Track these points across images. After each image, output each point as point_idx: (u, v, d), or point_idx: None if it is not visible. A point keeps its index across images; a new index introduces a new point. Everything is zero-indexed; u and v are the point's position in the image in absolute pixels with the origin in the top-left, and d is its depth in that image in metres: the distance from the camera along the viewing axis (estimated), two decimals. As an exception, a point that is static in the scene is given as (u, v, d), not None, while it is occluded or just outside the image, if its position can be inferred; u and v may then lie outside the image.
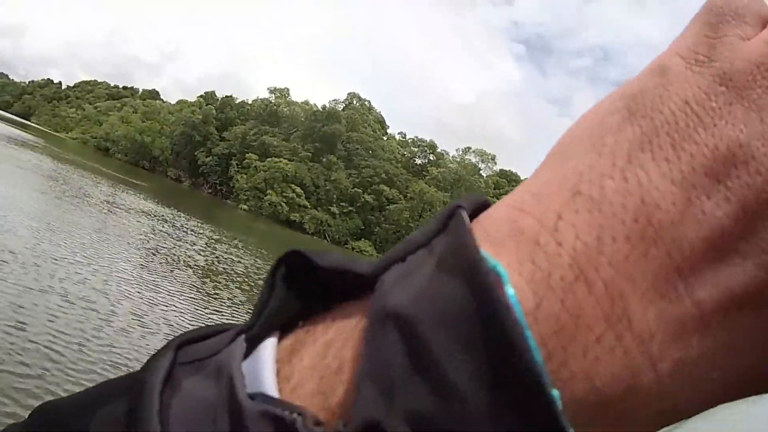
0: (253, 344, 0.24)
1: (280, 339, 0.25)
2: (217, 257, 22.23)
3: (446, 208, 0.25)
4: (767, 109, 0.23)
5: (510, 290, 0.22)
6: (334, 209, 74.35)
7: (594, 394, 0.22)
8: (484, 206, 0.28)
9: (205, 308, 13.60)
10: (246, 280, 18.92)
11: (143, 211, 29.51)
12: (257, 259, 25.93)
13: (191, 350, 0.26)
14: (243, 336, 0.25)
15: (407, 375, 0.20)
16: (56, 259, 12.61)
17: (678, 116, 0.24)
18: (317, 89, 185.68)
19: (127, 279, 13.42)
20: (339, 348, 0.23)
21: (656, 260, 0.22)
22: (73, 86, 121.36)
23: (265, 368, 0.23)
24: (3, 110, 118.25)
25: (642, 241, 0.22)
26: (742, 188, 0.22)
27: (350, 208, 75.35)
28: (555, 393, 0.20)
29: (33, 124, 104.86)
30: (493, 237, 0.24)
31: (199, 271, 17.85)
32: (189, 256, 19.96)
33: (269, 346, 0.24)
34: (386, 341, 0.21)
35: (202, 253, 22.19)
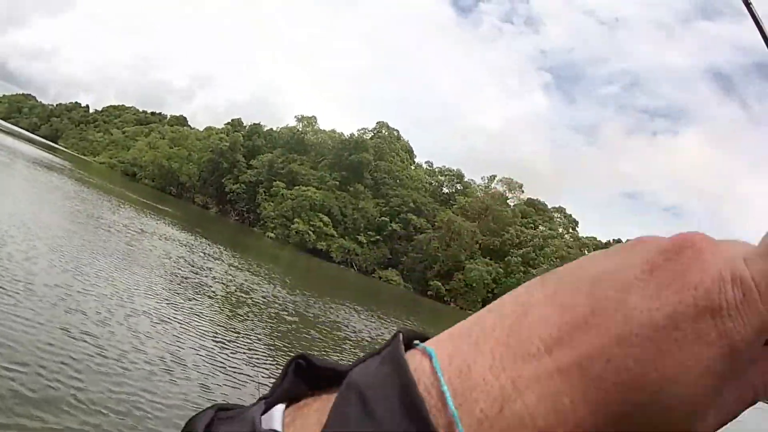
0: (269, 407, 0.42)
1: (288, 406, 0.43)
2: (241, 285, 21.96)
3: (392, 335, 0.42)
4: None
5: (436, 363, 0.38)
6: (361, 238, 74.06)
7: None
8: (422, 337, 0.43)
9: (226, 336, 13.35)
10: (267, 309, 18.56)
11: (171, 238, 29.36)
12: (281, 289, 25.55)
13: (226, 412, 0.43)
14: (264, 401, 0.43)
15: (359, 422, 0.36)
16: (84, 285, 12.50)
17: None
18: (344, 118, 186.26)
19: (153, 305, 13.27)
20: (321, 410, 0.40)
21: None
22: (101, 110, 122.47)
23: (276, 417, 0.41)
24: (30, 132, 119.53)
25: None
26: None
27: (377, 237, 75.03)
28: None
29: (60, 147, 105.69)
30: (436, 339, 0.42)
31: (223, 299, 17.63)
32: (214, 284, 19.72)
33: (280, 408, 0.42)
34: (347, 401, 0.38)
35: (227, 280, 21.97)
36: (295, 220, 72.57)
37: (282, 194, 75.18)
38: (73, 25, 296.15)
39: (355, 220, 74.56)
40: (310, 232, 71.82)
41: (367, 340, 19.28)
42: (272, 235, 73.69)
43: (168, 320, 12.55)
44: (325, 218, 72.87)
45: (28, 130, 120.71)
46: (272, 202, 76.48)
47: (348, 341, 17.93)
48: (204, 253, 28.10)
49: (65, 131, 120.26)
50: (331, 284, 45.77)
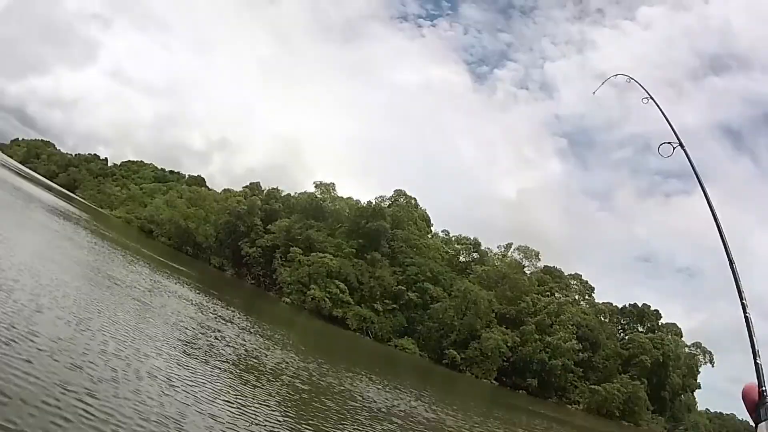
0: None
1: None
2: (254, 350, 21.85)
3: None
4: None
5: None
6: (377, 306, 73.87)
7: None
8: None
9: (235, 402, 13.09)
10: (280, 375, 18.39)
11: (185, 297, 29.57)
12: (296, 355, 25.26)
13: None
14: None
15: None
16: (89, 341, 12.40)
17: None
18: (362, 185, 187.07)
19: (161, 366, 13.09)
20: None
21: None
22: (120, 165, 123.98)
23: None
24: (47, 179, 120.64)
25: None
26: None
27: (394, 306, 74.84)
28: None
29: (78, 197, 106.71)
30: None
31: (235, 364, 17.44)
32: (226, 347, 19.55)
33: None
34: None
35: (240, 344, 21.78)
36: (312, 286, 72.51)
37: (299, 260, 75.24)
38: (94, 80, 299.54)
39: (372, 288, 74.44)
40: (327, 299, 71.69)
41: (382, 411, 19.17)
42: (288, 300, 73.65)
43: (176, 384, 12.35)
44: (342, 285, 72.76)
45: (45, 177, 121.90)
46: (289, 267, 76.53)
47: (363, 412, 17.81)
48: (218, 315, 28.06)
49: (83, 182, 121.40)
50: (346, 352, 45.88)
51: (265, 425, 11.78)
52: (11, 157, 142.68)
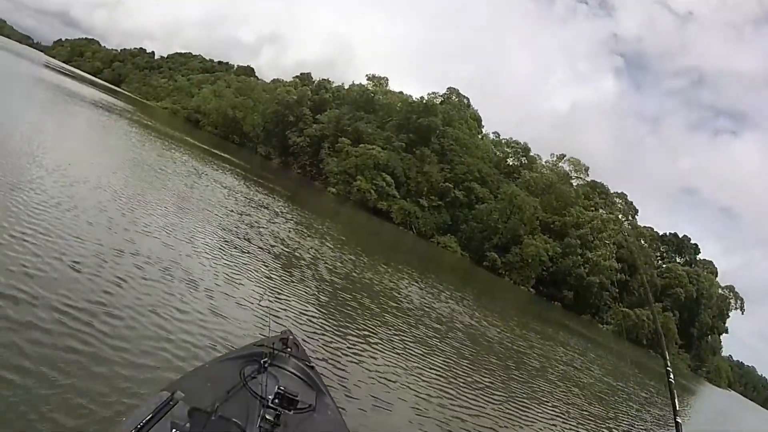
0: None
1: None
2: (294, 239, 20.74)
3: None
4: None
5: None
6: (423, 202, 73.40)
7: None
8: None
9: (274, 287, 12.61)
10: (316, 267, 17.39)
11: (229, 186, 28.66)
12: (334, 246, 24.15)
13: None
14: None
15: None
16: (140, 228, 12.02)
17: None
18: (414, 84, 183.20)
19: (206, 252, 12.72)
20: None
21: None
22: (167, 57, 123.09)
23: None
24: (92, 75, 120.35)
25: None
26: None
27: (439, 203, 74.30)
28: None
29: (123, 91, 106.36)
30: None
31: (274, 251, 16.64)
32: (265, 235, 18.73)
33: None
34: None
35: (283, 232, 21.02)
36: (358, 177, 72.11)
37: (347, 151, 74.60)
38: None
39: (419, 183, 73.87)
40: (372, 191, 71.37)
41: (421, 313, 18.06)
42: (333, 190, 73.40)
43: (213, 266, 11.96)
44: (388, 178, 72.25)
45: (90, 74, 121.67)
46: (336, 157, 76.05)
47: (401, 312, 16.60)
48: (261, 203, 27.06)
49: (128, 76, 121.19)
50: (388, 245, 45.28)
51: (296, 319, 11.29)
52: (54, 57, 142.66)
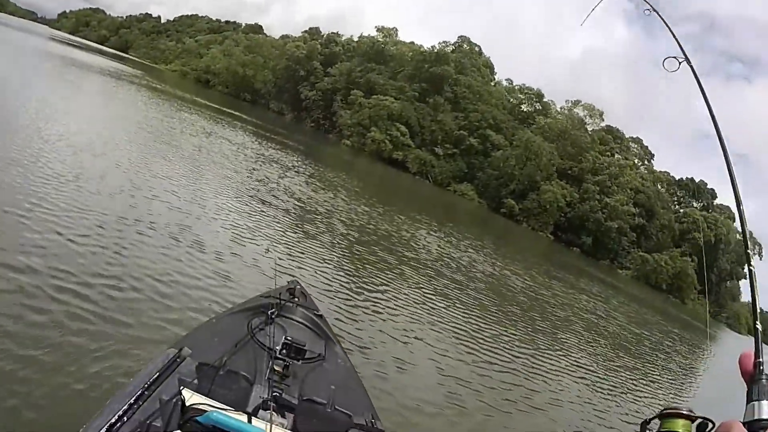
0: None
1: None
2: (308, 192, 20.58)
3: None
4: None
5: None
6: (438, 150, 73.05)
7: None
8: None
9: (284, 240, 12.59)
10: (330, 220, 17.22)
11: (242, 143, 28.28)
12: (351, 198, 24.11)
13: None
14: None
15: None
16: (147, 189, 11.99)
17: None
18: (424, 33, 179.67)
19: (215, 210, 12.69)
20: None
21: None
22: (174, 20, 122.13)
23: None
24: (99, 44, 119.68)
25: None
26: None
27: (454, 151, 73.89)
28: None
29: (131, 57, 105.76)
30: None
31: (288, 203, 16.57)
32: (281, 189, 18.59)
33: None
34: None
35: (297, 185, 20.75)
36: (372, 128, 71.78)
37: (360, 102, 74.16)
38: None
39: (433, 132, 73.40)
40: (387, 141, 71.07)
41: (441, 263, 17.75)
42: (348, 142, 73.14)
43: (222, 222, 11.97)
44: (403, 128, 71.85)
45: (96, 43, 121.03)
46: (349, 110, 75.64)
47: (420, 264, 16.25)
48: (274, 159, 26.71)
49: (135, 41, 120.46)
50: (405, 195, 45.10)
51: (307, 271, 10.95)
52: (60, 30, 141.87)
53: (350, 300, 10.21)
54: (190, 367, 3.22)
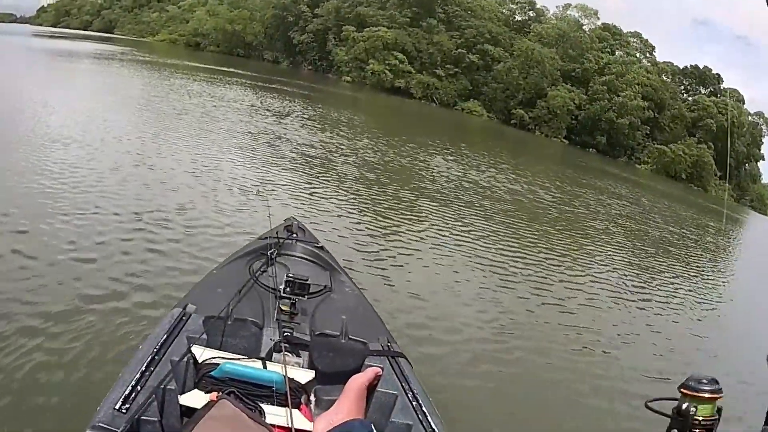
0: None
1: None
2: (320, 139, 19.80)
3: None
4: None
5: None
6: (439, 72, 72.39)
7: None
8: None
9: (290, 180, 12.53)
10: (345, 162, 16.70)
11: (242, 100, 27.63)
12: (352, 133, 23.48)
13: None
14: None
15: None
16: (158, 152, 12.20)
17: None
18: None
19: (215, 162, 12.74)
20: None
21: None
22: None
23: None
24: (83, 30, 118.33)
25: None
26: None
27: (456, 70, 73.17)
28: None
29: (117, 36, 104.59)
30: None
31: (302, 155, 16.09)
32: (293, 136, 18.43)
33: None
34: None
35: (305, 137, 19.74)
36: (370, 61, 71.17)
37: (353, 38, 73.32)
38: None
39: (431, 55, 72.66)
40: (387, 71, 70.46)
41: (453, 183, 17.37)
42: (348, 78, 72.63)
43: (224, 173, 11.98)
44: (400, 56, 71.13)
45: (80, 29, 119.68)
46: (344, 46, 74.93)
47: (430, 188, 15.82)
48: (277, 110, 25.82)
49: (119, 20, 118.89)
50: (412, 121, 44.73)
51: (313, 207, 10.69)
52: (41, 25, 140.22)
53: (355, 231, 9.93)
54: (197, 322, 3.20)
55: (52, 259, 6.13)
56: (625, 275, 12.57)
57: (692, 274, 15.31)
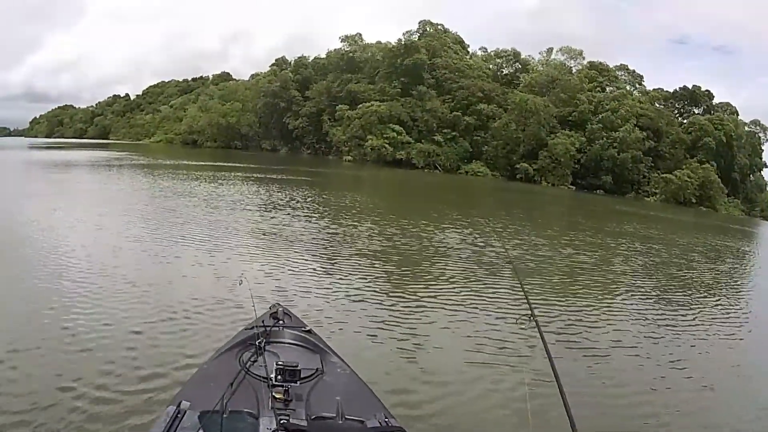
0: None
1: None
2: (325, 225, 19.23)
3: None
4: None
5: None
6: (438, 138, 72.75)
7: None
8: None
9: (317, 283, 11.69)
10: (353, 245, 16.27)
11: (249, 191, 27.95)
12: (369, 216, 23.27)
13: None
14: None
15: None
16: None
17: None
18: (386, 28, 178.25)
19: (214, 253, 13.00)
20: None
21: None
22: (142, 94, 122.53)
23: None
24: (79, 138, 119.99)
25: None
26: None
27: (454, 133, 73.61)
28: None
29: (113, 141, 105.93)
30: None
31: (313, 244, 15.70)
32: (297, 231, 17.61)
33: None
34: None
35: (312, 225, 19.11)
36: (368, 137, 71.68)
37: (348, 116, 74.07)
38: (89, 31, 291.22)
39: (427, 122, 73.17)
40: (386, 145, 70.94)
41: (463, 257, 16.13)
42: (349, 157, 73.12)
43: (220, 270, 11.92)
44: (397, 127, 71.73)
45: (75, 138, 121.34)
46: (339, 126, 75.70)
47: (436, 262, 15.07)
48: (280, 202, 25.22)
49: (113, 125, 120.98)
50: (416, 191, 44.55)
51: (303, 292, 10.76)
52: (36, 136, 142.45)
53: (343, 312, 9.74)
54: (193, 419, 3.20)
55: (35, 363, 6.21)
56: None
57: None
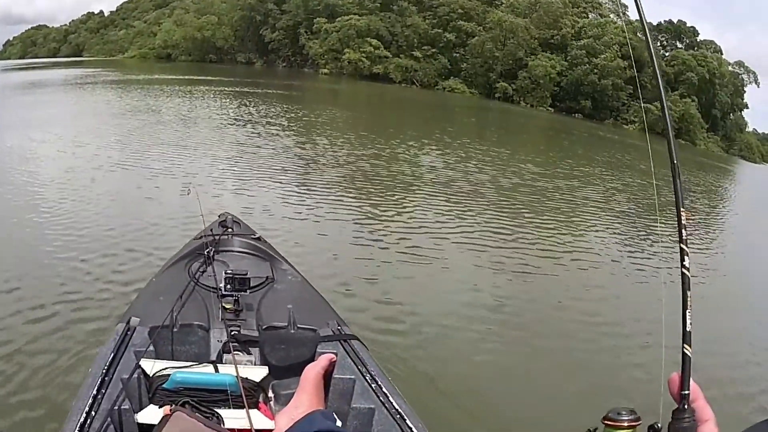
0: None
1: None
2: (300, 143, 18.40)
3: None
4: None
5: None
6: (417, 54, 71.67)
7: None
8: None
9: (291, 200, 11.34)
10: (336, 168, 15.41)
11: (224, 105, 27.28)
12: (332, 132, 21.98)
13: None
14: None
15: None
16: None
17: None
18: None
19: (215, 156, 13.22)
20: None
21: None
22: (116, 10, 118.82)
23: None
24: (51, 57, 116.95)
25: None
26: None
27: (433, 50, 72.51)
28: None
29: (87, 58, 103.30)
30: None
31: (286, 166, 14.80)
32: (276, 141, 17.73)
33: None
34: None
35: (291, 131, 19.50)
36: (345, 50, 70.45)
37: (325, 29, 72.51)
38: None
39: (407, 37, 71.97)
40: (364, 59, 69.84)
41: (437, 174, 15.86)
42: (326, 70, 71.99)
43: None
44: (375, 42, 70.44)
45: (49, 57, 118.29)
46: (317, 39, 74.21)
47: (407, 178, 14.72)
48: (257, 116, 24.42)
49: (87, 42, 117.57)
50: (393, 106, 44.06)
51: (276, 203, 10.44)
52: (9, 58, 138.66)
53: (294, 218, 9.51)
54: (143, 335, 3.05)
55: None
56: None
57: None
